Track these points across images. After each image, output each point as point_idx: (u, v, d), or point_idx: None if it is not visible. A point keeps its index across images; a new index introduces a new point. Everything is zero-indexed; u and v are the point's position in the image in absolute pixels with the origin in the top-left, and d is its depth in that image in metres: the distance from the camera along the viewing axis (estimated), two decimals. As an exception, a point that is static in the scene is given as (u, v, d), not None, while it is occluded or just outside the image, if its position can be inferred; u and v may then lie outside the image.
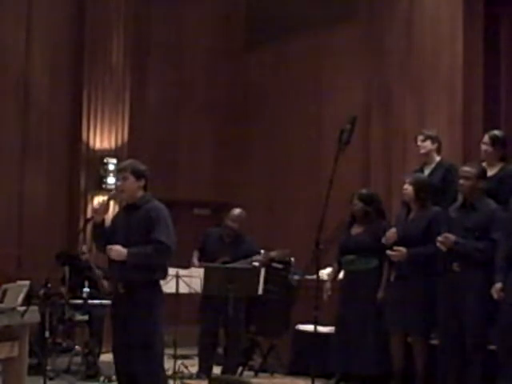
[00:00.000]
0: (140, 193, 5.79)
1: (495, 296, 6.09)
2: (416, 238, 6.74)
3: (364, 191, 7.50)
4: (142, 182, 5.78)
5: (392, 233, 6.83)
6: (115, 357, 5.80)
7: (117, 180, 6.00)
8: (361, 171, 9.85)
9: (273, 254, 8.19)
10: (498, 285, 6.08)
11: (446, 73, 9.13)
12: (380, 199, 7.53)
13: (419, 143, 7.52)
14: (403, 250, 6.73)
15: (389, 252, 6.80)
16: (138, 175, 5.77)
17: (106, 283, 9.28)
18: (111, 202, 5.85)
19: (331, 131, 7.91)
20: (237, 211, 8.27)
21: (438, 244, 6.40)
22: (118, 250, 5.62)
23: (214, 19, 12.08)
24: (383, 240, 6.89)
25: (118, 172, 5.87)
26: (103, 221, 5.85)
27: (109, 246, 5.66)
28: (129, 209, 5.85)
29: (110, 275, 5.99)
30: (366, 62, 10.10)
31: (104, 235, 5.84)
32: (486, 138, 6.99)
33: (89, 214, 10.62)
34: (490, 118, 8.95)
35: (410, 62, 9.46)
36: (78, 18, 11.10)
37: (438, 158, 7.50)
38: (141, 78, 11.56)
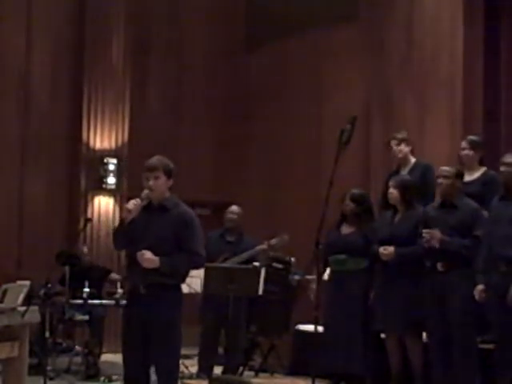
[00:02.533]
0: (167, 193, 5.55)
1: (477, 297, 6.16)
2: (404, 239, 6.74)
3: (356, 191, 7.45)
4: (171, 182, 5.53)
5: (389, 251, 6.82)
6: (127, 357, 5.51)
7: (146, 179, 5.62)
8: (361, 171, 9.84)
9: (273, 241, 8.19)
10: (481, 286, 6.14)
11: (446, 73, 9.13)
12: (370, 200, 7.53)
13: (394, 148, 7.57)
14: (391, 249, 6.75)
15: (380, 251, 6.81)
16: (169, 175, 5.50)
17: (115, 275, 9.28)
18: (144, 202, 5.62)
19: (331, 131, 7.88)
20: (234, 206, 8.38)
21: (423, 240, 6.43)
22: (150, 259, 5.34)
23: (214, 19, 12.08)
24: (374, 248, 6.88)
25: (149, 170, 5.59)
26: (131, 220, 5.49)
27: (140, 253, 5.37)
28: (155, 209, 5.53)
29: (128, 276, 5.77)
30: (366, 61, 10.10)
31: (127, 234, 5.53)
32: (465, 144, 7.17)
33: (89, 214, 10.66)
34: (490, 118, 8.95)
35: (410, 62, 9.46)
36: (78, 17, 11.11)
37: (413, 159, 7.59)
38: (141, 78, 11.57)
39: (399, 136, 7.63)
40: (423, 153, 8.26)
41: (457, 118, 8.98)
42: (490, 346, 6.37)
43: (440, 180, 6.57)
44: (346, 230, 7.34)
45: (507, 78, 9.01)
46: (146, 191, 5.51)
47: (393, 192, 6.93)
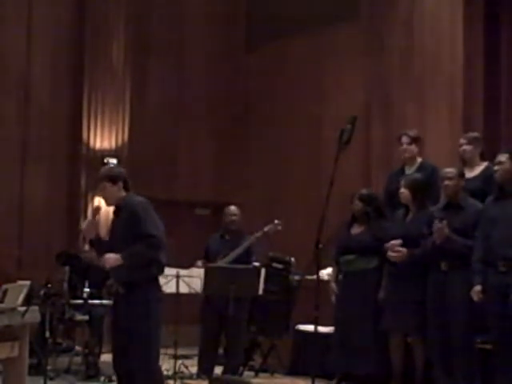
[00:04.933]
0: (123, 194, 5.83)
1: (475, 298, 6.15)
2: (416, 239, 6.73)
3: (364, 191, 7.48)
4: (120, 184, 5.81)
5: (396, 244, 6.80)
6: (114, 357, 5.80)
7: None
8: (361, 171, 9.84)
9: (266, 228, 8.21)
10: (478, 287, 6.14)
11: (446, 73, 9.13)
12: (379, 199, 7.53)
13: (405, 146, 7.49)
14: (404, 250, 6.73)
15: (389, 253, 6.80)
16: (113, 179, 5.79)
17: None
18: (96, 219, 5.97)
19: (331, 131, 7.90)
20: (232, 207, 8.38)
21: (434, 234, 6.40)
22: (110, 258, 5.65)
23: (214, 19, 12.08)
24: (386, 246, 6.87)
25: (97, 185, 5.98)
26: (98, 235, 5.94)
27: (102, 259, 5.71)
28: (115, 213, 5.91)
29: (111, 277, 5.98)
30: (366, 61, 10.10)
31: (103, 247, 5.87)
32: (463, 140, 7.19)
33: (89, 214, 10.65)
34: (490, 117, 8.95)
35: (410, 62, 9.46)
36: (79, 18, 11.11)
37: (419, 160, 7.54)
38: (141, 78, 11.56)
39: (412, 134, 7.52)
40: (423, 153, 8.24)
41: (457, 117, 8.98)
42: (490, 346, 6.37)
43: (446, 182, 6.56)
44: (355, 230, 7.36)
45: (507, 78, 9.01)
46: (87, 220, 5.91)
47: (404, 191, 6.90)
